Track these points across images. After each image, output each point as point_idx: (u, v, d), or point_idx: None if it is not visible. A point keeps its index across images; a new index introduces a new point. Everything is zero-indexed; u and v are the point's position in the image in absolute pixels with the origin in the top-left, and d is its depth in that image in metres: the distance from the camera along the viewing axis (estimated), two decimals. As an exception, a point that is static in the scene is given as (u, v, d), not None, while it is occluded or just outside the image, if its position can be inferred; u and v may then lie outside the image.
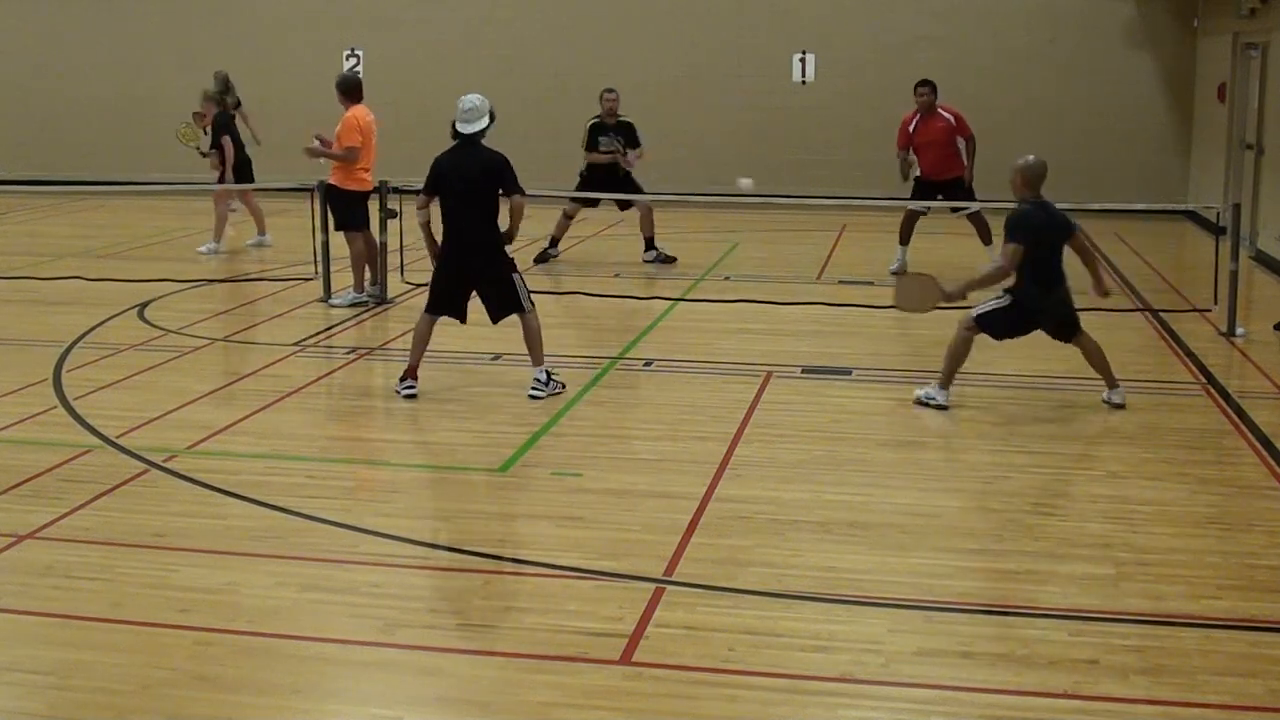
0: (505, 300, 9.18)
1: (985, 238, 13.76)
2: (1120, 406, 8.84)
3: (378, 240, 12.30)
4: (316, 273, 12.56)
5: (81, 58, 21.97)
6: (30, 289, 13.00)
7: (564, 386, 9.19)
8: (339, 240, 12.26)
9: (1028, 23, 19.45)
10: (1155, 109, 19.38)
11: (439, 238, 9.21)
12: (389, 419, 9.09)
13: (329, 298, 12.33)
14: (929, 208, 13.95)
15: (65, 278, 13.49)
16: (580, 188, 14.63)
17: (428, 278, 13.26)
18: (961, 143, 13.81)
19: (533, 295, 9.28)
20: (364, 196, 12.17)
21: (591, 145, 14.52)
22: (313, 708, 4.93)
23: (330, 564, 6.23)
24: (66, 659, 5.24)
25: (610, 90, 14.66)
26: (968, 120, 13.84)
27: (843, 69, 19.93)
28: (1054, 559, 6.29)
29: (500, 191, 9.08)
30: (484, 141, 9.17)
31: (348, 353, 10.61)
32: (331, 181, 12.12)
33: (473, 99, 9.20)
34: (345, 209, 12.09)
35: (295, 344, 10.72)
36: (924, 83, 13.87)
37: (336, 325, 11.54)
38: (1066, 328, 8.99)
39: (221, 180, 15.20)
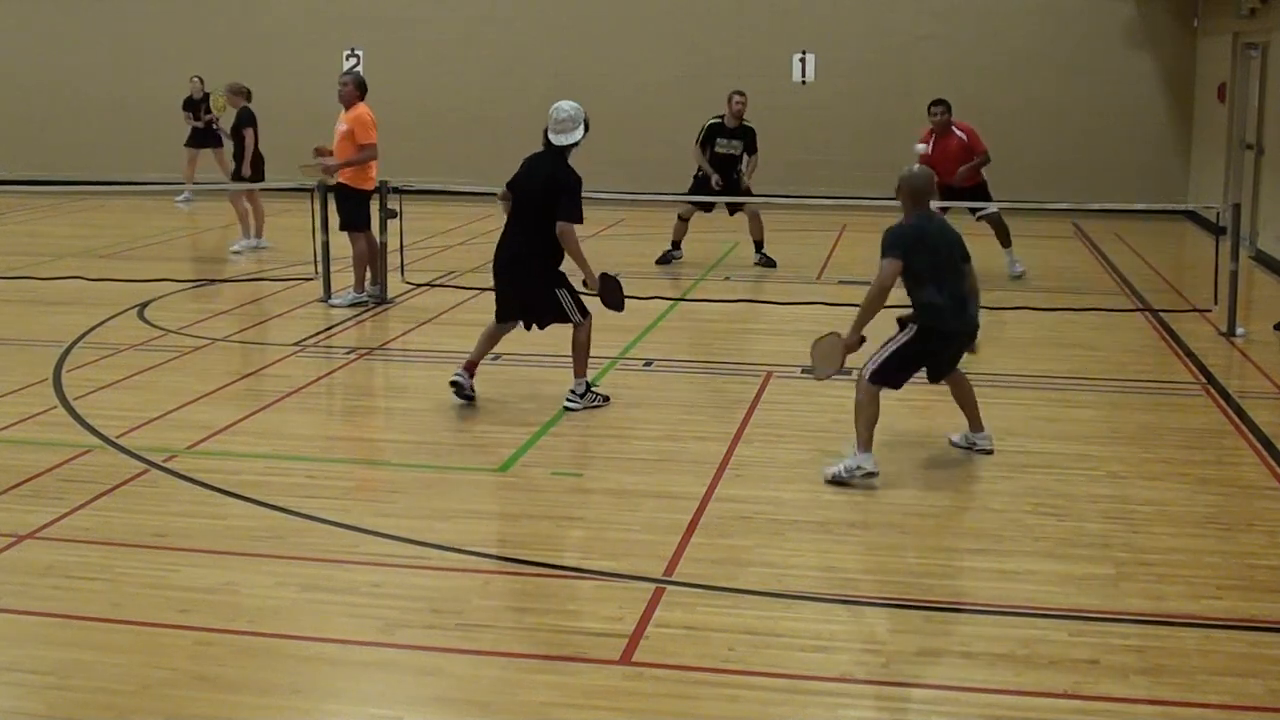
0: (550, 313, 8.84)
1: (1004, 240, 13.70)
2: (988, 453, 7.85)
3: (378, 240, 12.30)
4: (317, 273, 12.55)
5: (81, 58, 21.97)
6: (30, 289, 12.99)
7: (607, 400, 8.92)
8: (339, 240, 12.25)
9: (1027, 23, 19.46)
10: (1155, 109, 19.38)
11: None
12: (389, 419, 9.09)
13: (329, 298, 12.33)
14: (947, 208, 13.85)
15: (65, 278, 13.48)
16: (693, 189, 14.53)
17: (429, 278, 13.43)
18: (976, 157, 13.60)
19: (584, 306, 8.87)
20: (369, 196, 12.20)
21: (706, 144, 14.29)
22: (313, 708, 4.94)
23: (330, 564, 6.23)
24: (66, 659, 5.23)
25: (739, 93, 14.36)
26: (980, 135, 13.58)
27: (843, 69, 19.94)
28: (1054, 559, 6.28)
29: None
30: (571, 156, 8.66)
31: (348, 353, 10.61)
32: (343, 180, 12.12)
33: (567, 107, 8.63)
34: (353, 209, 12.10)
35: (295, 344, 10.71)
36: (938, 102, 13.56)
37: (336, 325, 11.54)
38: (954, 363, 7.86)
39: (238, 174, 15.11)
